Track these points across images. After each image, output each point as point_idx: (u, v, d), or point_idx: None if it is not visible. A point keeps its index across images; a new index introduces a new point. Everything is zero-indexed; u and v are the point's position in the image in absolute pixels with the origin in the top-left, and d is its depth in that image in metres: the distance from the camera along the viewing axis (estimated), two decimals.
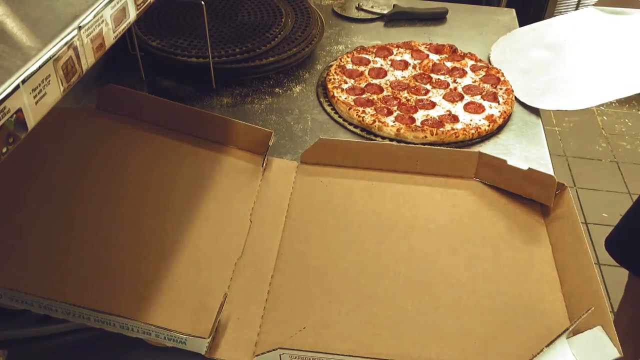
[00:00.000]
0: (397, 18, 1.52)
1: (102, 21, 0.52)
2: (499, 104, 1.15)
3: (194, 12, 1.33)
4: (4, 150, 0.41)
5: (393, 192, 0.96)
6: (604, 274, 2.10)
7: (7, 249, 0.79)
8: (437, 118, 1.09)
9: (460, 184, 0.98)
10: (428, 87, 1.18)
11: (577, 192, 2.52)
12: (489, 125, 1.09)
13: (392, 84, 1.18)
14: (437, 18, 1.54)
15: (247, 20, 1.33)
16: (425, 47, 1.30)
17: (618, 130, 2.91)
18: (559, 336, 0.71)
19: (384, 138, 1.07)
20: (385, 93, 1.15)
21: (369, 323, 0.77)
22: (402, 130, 1.04)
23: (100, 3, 0.52)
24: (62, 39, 0.47)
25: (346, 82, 1.17)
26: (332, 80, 1.18)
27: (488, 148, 1.09)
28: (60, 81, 0.47)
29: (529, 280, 0.84)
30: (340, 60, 1.24)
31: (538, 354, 0.71)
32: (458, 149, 1.04)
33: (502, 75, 1.23)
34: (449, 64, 1.25)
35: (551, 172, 0.96)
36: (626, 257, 1.40)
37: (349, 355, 0.72)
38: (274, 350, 0.70)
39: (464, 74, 1.23)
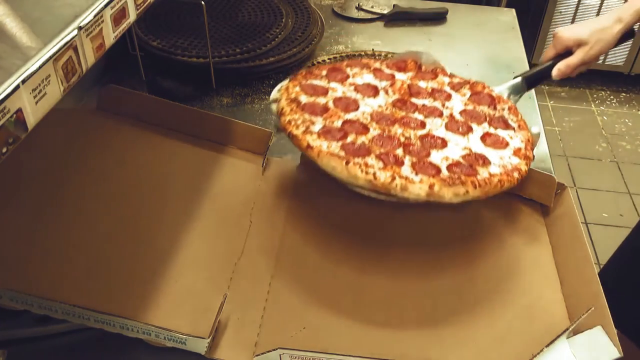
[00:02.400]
0: (397, 18, 1.52)
1: (102, 21, 0.52)
2: (514, 130, 0.90)
3: (194, 12, 1.33)
4: (4, 150, 0.41)
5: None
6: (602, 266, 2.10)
7: (7, 249, 0.79)
8: (461, 161, 0.81)
9: None
10: (419, 116, 0.89)
11: (577, 192, 2.52)
12: (526, 164, 0.83)
13: (373, 118, 0.87)
14: (437, 18, 1.54)
15: (248, 20, 1.33)
16: (384, 65, 1.01)
17: (618, 130, 2.91)
18: (558, 336, 0.71)
19: (404, 200, 0.77)
20: (373, 131, 0.84)
21: (369, 323, 0.77)
22: (436, 187, 0.74)
23: (100, 3, 0.52)
24: (62, 39, 0.47)
25: (313, 122, 0.83)
26: (293, 121, 0.83)
27: None
28: (60, 81, 0.47)
29: (529, 280, 0.84)
30: (288, 92, 0.90)
31: (538, 354, 0.71)
32: None
33: (491, 89, 0.99)
34: (423, 84, 0.97)
35: (551, 172, 0.96)
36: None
37: (349, 355, 0.72)
38: (274, 350, 0.70)
39: (448, 95, 0.96)
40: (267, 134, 0.99)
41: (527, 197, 0.95)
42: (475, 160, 0.81)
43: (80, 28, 0.49)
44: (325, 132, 0.81)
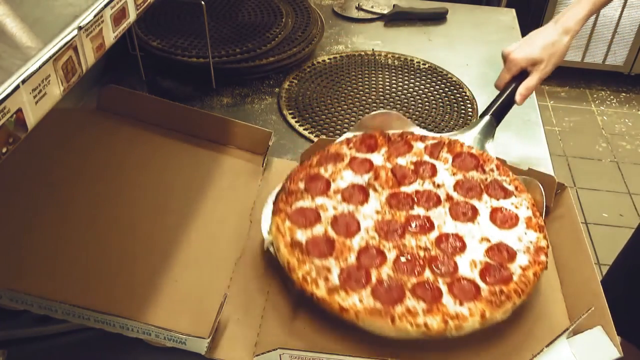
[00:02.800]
0: (397, 18, 1.52)
1: (102, 21, 0.52)
2: (515, 195, 0.87)
3: (194, 12, 1.33)
4: (4, 150, 0.41)
5: None
6: (603, 274, 2.10)
7: (7, 249, 0.79)
8: (489, 262, 0.77)
9: None
10: (420, 211, 0.84)
11: (577, 192, 2.51)
12: (544, 237, 0.82)
13: (380, 233, 0.81)
14: (437, 18, 1.54)
15: (247, 20, 1.33)
16: (354, 150, 0.93)
17: (618, 130, 2.91)
18: (558, 336, 0.71)
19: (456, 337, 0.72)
20: (389, 255, 0.78)
21: None
22: (487, 315, 0.71)
23: (100, 3, 0.51)
24: (62, 39, 0.47)
25: (328, 269, 0.75)
26: (308, 277, 0.75)
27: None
28: (60, 81, 0.47)
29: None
30: (281, 232, 0.80)
31: (538, 354, 0.71)
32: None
33: (467, 146, 0.94)
34: (402, 161, 0.92)
35: (551, 172, 0.96)
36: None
37: (349, 356, 0.72)
38: (274, 350, 0.70)
39: (432, 168, 0.91)
40: (267, 134, 0.99)
41: None
42: (500, 255, 0.79)
43: (80, 28, 0.48)
44: (347, 279, 0.74)
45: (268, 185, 0.96)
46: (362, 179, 0.89)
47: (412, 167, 0.91)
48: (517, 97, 1.02)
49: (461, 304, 0.72)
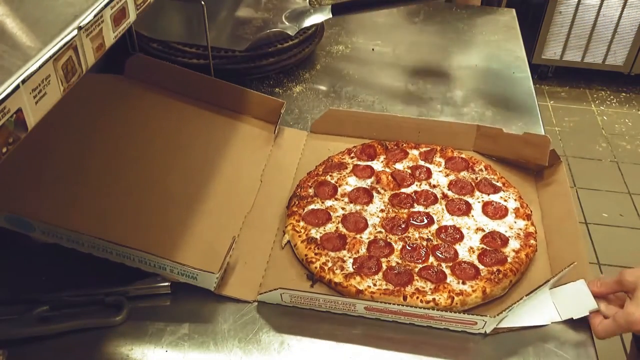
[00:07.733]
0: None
1: (102, 21, 0.52)
2: (503, 190, 0.96)
3: (194, 12, 1.33)
4: (4, 150, 0.41)
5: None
6: (603, 274, 2.10)
7: (46, 191, 0.85)
8: (486, 247, 0.86)
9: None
10: (420, 208, 0.93)
11: (577, 192, 2.51)
12: (532, 224, 0.90)
13: (386, 228, 0.89)
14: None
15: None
16: (356, 158, 1.02)
17: (618, 130, 2.91)
18: (539, 286, 0.76)
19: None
20: (396, 246, 0.86)
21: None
22: (488, 290, 0.79)
23: (100, 3, 0.52)
24: (62, 39, 0.47)
25: (342, 259, 0.84)
26: (325, 267, 0.82)
27: None
28: (60, 81, 0.47)
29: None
30: (297, 231, 0.88)
31: (518, 301, 0.75)
32: (458, 122, 1.11)
33: (458, 151, 1.03)
34: (400, 166, 1.00)
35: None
36: None
37: (344, 297, 0.78)
38: (275, 289, 0.77)
39: (427, 171, 0.99)
40: (279, 104, 1.06)
41: (524, 159, 1.00)
42: (494, 241, 0.86)
43: (80, 28, 0.49)
44: (361, 267, 0.82)
45: (279, 151, 1.04)
46: (366, 183, 0.97)
47: (409, 171, 1.00)
48: None
49: (464, 283, 0.80)
